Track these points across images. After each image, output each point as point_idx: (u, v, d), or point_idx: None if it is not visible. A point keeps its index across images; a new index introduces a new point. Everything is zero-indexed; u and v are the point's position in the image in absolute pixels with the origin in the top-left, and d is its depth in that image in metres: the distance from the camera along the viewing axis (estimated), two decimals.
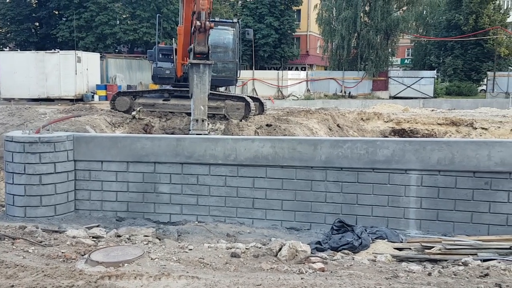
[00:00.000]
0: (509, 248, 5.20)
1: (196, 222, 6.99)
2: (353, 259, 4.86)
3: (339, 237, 6.06)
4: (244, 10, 49.04)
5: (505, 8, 49.87)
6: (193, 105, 11.75)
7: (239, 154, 7.04)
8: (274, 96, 37.51)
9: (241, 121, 15.51)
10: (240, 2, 51.17)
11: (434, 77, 41.17)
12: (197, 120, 11.57)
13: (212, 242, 5.52)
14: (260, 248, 4.95)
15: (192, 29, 12.17)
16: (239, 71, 17.43)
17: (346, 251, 5.60)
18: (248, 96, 17.51)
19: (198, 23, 11.47)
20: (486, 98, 38.85)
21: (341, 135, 16.22)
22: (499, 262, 4.67)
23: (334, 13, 44.80)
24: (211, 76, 12.05)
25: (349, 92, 41.46)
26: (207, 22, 11.55)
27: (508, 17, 48.24)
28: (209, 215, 7.17)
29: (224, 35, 16.70)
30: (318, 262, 4.58)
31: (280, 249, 4.75)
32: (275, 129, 14.46)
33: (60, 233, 5.82)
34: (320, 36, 49.47)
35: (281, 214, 7.07)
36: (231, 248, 4.94)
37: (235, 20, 17.83)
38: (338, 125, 17.35)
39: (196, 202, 7.20)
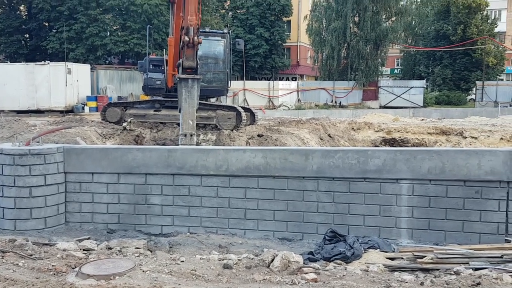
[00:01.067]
0: (500, 257, 5.22)
1: (188, 234, 6.96)
2: (345, 269, 4.85)
3: (332, 247, 6.05)
4: (234, 21, 49.28)
5: (492, 18, 50.55)
6: (181, 120, 11.78)
7: (230, 165, 7.03)
8: (265, 106, 37.58)
9: (232, 131, 15.52)
10: (230, 13, 51.44)
11: (423, 87, 41.54)
12: (185, 135, 11.60)
13: (204, 254, 5.49)
14: (252, 259, 4.94)
15: (181, 44, 12.24)
16: (230, 81, 17.47)
17: (338, 261, 5.59)
18: (239, 106, 17.54)
19: (186, 38, 11.56)
20: (475, 107, 39.21)
21: (332, 145, 16.27)
22: (491, 271, 4.69)
23: (324, 23, 45.13)
24: (199, 90, 12.12)
25: (340, 102, 41.66)
26: (196, 38, 11.64)
27: (496, 26, 48.91)
28: (201, 226, 7.14)
29: (214, 46, 16.77)
30: (310, 272, 4.56)
31: (272, 260, 4.73)
32: (266, 139, 14.48)
33: (51, 246, 5.76)
34: (311, 46, 49.81)
35: (273, 224, 7.05)
36: (223, 260, 4.91)
37: (225, 31, 17.91)
38: (329, 135, 17.41)
39: (187, 213, 7.17)
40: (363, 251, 5.84)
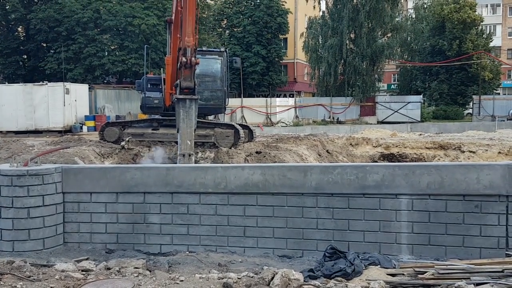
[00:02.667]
0: (502, 271, 5.19)
1: (187, 252, 6.91)
2: (346, 287, 4.82)
3: (332, 264, 6.00)
4: (231, 39, 49.69)
5: (487, 33, 51.05)
6: (180, 140, 11.82)
7: (229, 182, 7.02)
8: (263, 123, 37.69)
9: (230, 148, 15.54)
10: (227, 31, 51.87)
11: (420, 102, 41.75)
12: (183, 155, 11.63)
13: (204, 273, 5.44)
14: (252, 277, 4.90)
15: (178, 64, 12.33)
16: (227, 99, 17.56)
17: (339, 278, 5.54)
18: (237, 124, 17.59)
19: (184, 59, 11.65)
20: (473, 121, 39.36)
21: (330, 161, 16.27)
22: (492, 286, 4.66)
23: (320, 40, 45.52)
24: (197, 110, 12.18)
25: (337, 118, 41.81)
26: (193, 59, 11.74)
27: (491, 41, 49.37)
28: (200, 244, 7.09)
29: (212, 64, 16.88)
30: None
31: (272, 278, 4.70)
32: (264, 156, 14.48)
33: (49, 267, 5.71)
34: (307, 63, 50.17)
35: (272, 242, 7.01)
36: (223, 278, 4.87)
37: (222, 49, 18.04)
38: (327, 151, 17.43)
39: (186, 232, 7.13)
40: (364, 268, 5.80)
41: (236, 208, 7.02)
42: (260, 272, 5.12)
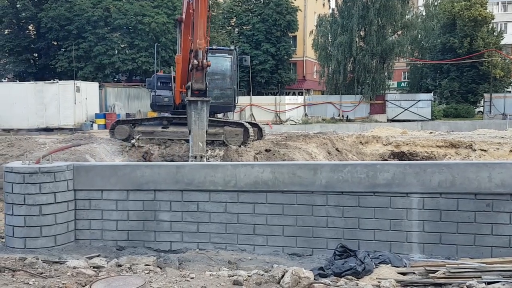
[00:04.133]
0: None
1: (197, 250, 6.93)
2: (357, 285, 4.81)
3: (342, 262, 5.99)
4: (240, 37, 49.70)
5: (498, 30, 50.57)
6: (191, 142, 11.86)
7: (239, 180, 7.02)
8: (272, 121, 37.67)
9: (240, 147, 15.55)
10: (236, 29, 51.87)
11: (431, 100, 41.48)
12: (195, 157, 11.67)
13: (214, 270, 5.46)
14: (262, 275, 4.90)
15: (190, 66, 12.35)
16: (237, 97, 17.57)
17: (349, 277, 5.54)
18: (246, 122, 17.59)
19: (195, 61, 11.67)
20: (484, 119, 39.04)
21: (340, 159, 16.23)
22: (504, 285, 4.63)
23: (329, 38, 45.37)
24: (208, 112, 12.22)
25: (347, 116, 41.67)
26: (205, 61, 11.76)
27: (502, 39, 48.91)
28: (210, 242, 7.11)
29: (222, 62, 16.90)
30: None
31: (282, 276, 4.70)
32: (274, 154, 14.48)
33: (61, 264, 5.76)
34: (317, 61, 50.03)
35: (282, 240, 7.01)
36: (233, 276, 4.88)
37: (232, 48, 18.05)
38: (337, 149, 17.38)
39: (196, 229, 7.15)
40: (374, 266, 5.78)
41: (245, 206, 7.03)
42: (270, 270, 5.13)
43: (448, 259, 6.19)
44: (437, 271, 5.22)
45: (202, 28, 11.77)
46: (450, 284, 4.87)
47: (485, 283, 4.80)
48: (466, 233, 6.49)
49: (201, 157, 11.75)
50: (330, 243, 6.83)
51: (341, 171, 6.91)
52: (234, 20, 51.75)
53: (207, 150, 13.89)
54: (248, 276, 4.88)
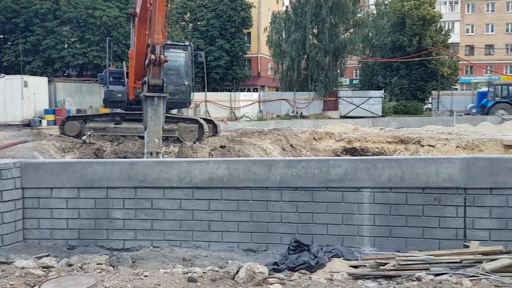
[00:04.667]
0: (460, 262, 5.37)
1: (151, 248, 6.85)
2: (310, 279, 4.88)
3: (296, 257, 6.07)
4: (195, 32, 49.31)
5: (446, 29, 52.41)
6: (147, 138, 11.67)
7: (193, 177, 6.98)
8: (227, 118, 37.63)
9: (194, 143, 15.44)
10: (190, 25, 51.41)
11: (381, 97, 42.55)
12: (151, 153, 11.50)
13: (168, 268, 5.41)
14: (217, 271, 4.90)
15: (147, 61, 12.14)
16: (192, 93, 17.42)
17: (303, 271, 5.61)
18: (201, 118, 17.50)
19: (153, 56, 11.48)
20: (432, 116, 40.38)
21: (294, 155, 16.40)
22: (451, 276, 4.81)
23: (283, 35, 45.72)
24: (165, 108, 12.06)
25: (301, 113, 42.15)
26: (162, 56, 11.59)
27: (449, 38, 50.74)
28: (164, 239, 7.04)
29: (176, 58, 16.71)
30: (275, 283, 4.57)
31: (237, 272, 4.71)
32: (229, 151, 14.47)
33: (8, 264, 5.55)
34: (271, 57, 50.29)
35: (237, 236, 7.03)
36: (187, 273, 4.85)
37: (187, 43, 17.88)
38: (291, 145, 17.55)
39: (150, 227, 7.07)
40: (327, 260, 5.89)
41: (200, 202, 7.00)
42: (225, 266, 5.13)
43: (398, 251, 6.37)
44: (387, 263, 5.37)
45: (160, 23, 11.60)
46: (400, 276, 5.03)
47: (433, 274, 4.97)
48: (415, 226, 6.70)
49: (157, 153, 11.60)
50: (285, 238, 6.90)
51: (295, 167, 6.98)
52: (188, 15, 51.27)
53: (161, 147, 13.72)
54: (203, 272, 4.87)
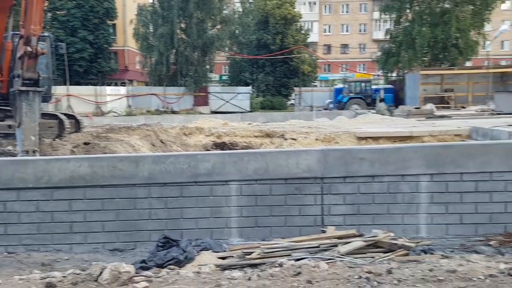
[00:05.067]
0: (318, 247, 5.76)
1: (5, 254, 6.31)
2: (178, 274, 4.87)
3: (165, 253, 6.03)
4: (54, 22, 46.16)
5: (306, 29, 55.53)
6: (22, 136, 10.72)
7: (52, 176, 6.57)
8: (93, 113, 35.93)
9: (54, 140, 14.50)
10: (49, 14, 48.00)
11: (249, 93, 43.81)
12: (27, 152, 10.57)
13: (24, 274, 5.03)
14: (79, 274, 4.67)
15: (20, 53, 11.15)
16: (53, 87, 16.33)
17: (172, 267, 5.59)
18: (62, 113, 16.48)
19: (29, 48, 10.59)
20: (295, 111, 42.54)
21: (164, 151, 16.19)
22: (310, 260, 5.14)
23: (151, 28, 44.84)
24: (40, 103, 11.18)
25: (172, 108, 41.76)
26: (39, 48, 10.75)
27: (309, 37, 53.85)
28: (20, 244, 6.53)
29: None
30: (142, 281, 4.49)
31: (101, 273, 4.54)
32: (94, 148, 13.84)
33: None
34: (139, 51, 49.02)
35: (103, 236, 6.77)
36: (45, 278, 4.56)
37: (46, 34, 16.66)
38: (161, 141, 17.31)
39: (4, 232, 6.50)
40: (196, 254, 5.93)
41: (60, 203, 6.61)
42: (88, 268, 4.92)
43: (263, 240, 6.64)
44: (253, 252, 5.58)
45: (38, 14, 10.77)
46: (264, 263, 5.24)
47: (294, 260, 5.27)
48: (278, 215, 7.04)
49: (34, 151, 10.70)
50: (154, 235, 6.81)
51: (163, 162, 6.93)
52: (47, 4, 47.79)
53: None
54: (63, 276, 4.60)
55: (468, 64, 41.16)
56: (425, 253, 5.73)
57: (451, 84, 34.72)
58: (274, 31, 48.51)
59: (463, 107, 31.26)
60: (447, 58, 38.30)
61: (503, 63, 49.13)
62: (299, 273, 4.47)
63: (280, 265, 4.84)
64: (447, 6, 37.42)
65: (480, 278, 4.06)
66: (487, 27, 40.47)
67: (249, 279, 4.38)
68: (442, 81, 35.04)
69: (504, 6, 57.98)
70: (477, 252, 5.84)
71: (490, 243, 6.38)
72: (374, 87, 40.00)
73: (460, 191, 7.07)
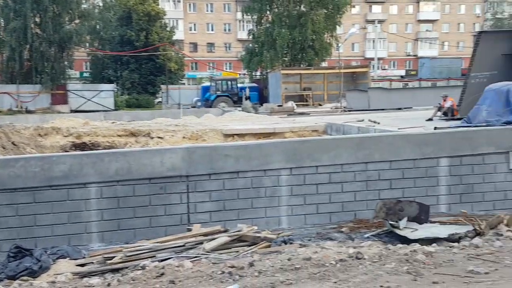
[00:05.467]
0: (183, 245, 5.74)
1: None
2: (31, 285, 4.53)
3: (17, 264, 5.60)
4: None
5: (171, 26, 55.04)
6: None
7: None
8: None
9: None
10: None
11: (113, 90, 42.16)
12: None
13: None
14: None
15: None
16: None
17: (25, 278, 5.20)
18: None
19: None
20: (162, 109, 41.92)
21: (17, 153, 14.88)
22: (174, 260, 5.10)
23: (2, 23, 41.08)
24: None
25: (26, 107, 38.63)
26: None
27: (174, 34, 53.43)
28: None
29: None
30: None
31: None
32: None
33: None
34: None
35: None
36: None
37: None
38: (13, 143, 15.89)
39: None
40: (52, 263, 5.57)
41: None
42: None
43: (127, 243, 6.44)
44: (115, 257, 5.38)
45: None
46: (127, 267, 5.09)
47: (158, 261, 5.19)
48: (143, 216, 6.89)
49: None
50: (4, 245, 6.28)
51: (13, 166, 6.42)
52: None
53: None
54: None
55: (323, 64, 44.05)
56: (286, 243, 6.01)
57: (309, 83, 36.83)
58: (137, 28, 47.30)
59: (320, 105, 33.34)
60: (304, 59, 40.56)
61: (354, 63, 53.48)
62: (163, 274, 4.41)
63: (143, 267, 4.74)
64: (303, 9, 39.62)
65: (332, 263, 4.36)
66: (339, 30, 43.70)
67: (109, 285, 4.21)
68: (301, 80, 37.00)
69: (354, 11, 63.25)
70: (331, 239, 6.28)
71: (342, 230, 6.90)
72: (240, 85, 40.96)
73: (316, 182, 7.55)
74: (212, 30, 72.17)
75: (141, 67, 48.23)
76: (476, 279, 3.84)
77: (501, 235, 5.65)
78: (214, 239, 5.91)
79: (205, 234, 6.15)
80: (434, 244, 5.44)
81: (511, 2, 64.83)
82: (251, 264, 4.47)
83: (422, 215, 6.86)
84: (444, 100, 15.58)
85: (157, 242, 5.97)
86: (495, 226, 6.17)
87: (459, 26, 75.57)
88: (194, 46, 69.89)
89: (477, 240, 5.38)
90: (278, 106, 29.74)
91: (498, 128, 9.05)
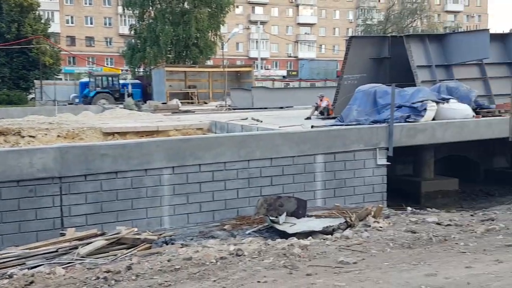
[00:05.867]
0: (56, 251, 5.40)
1: None
2: None
3: None
4: None
5: (46, 18, 51.66)
6: None
7: None
8: None
9: None
10: None
11: None
12: None
13: None
14: None
15: None
16: None
17: None
18: None
19: None
20: (36, 106, 39.12)
21: None
22: (45, 267, 4.78)
23: None
24: None
25: None
26: None
27: (49, 27, 50.18)
28: None
29: None
30: None
31: None
32: None
33: None
34: None
35: None
36: None
37: None
38: None
39: None
40: None
41: None
42: None
43: None
44: None
45: None
46: None
47: (28, 268, 4.83)
48: (11, 221, 6.40)
49: None
50: None
51: None
52: None
53: None
54: None
55: (209, 63, 44.16)
56: (167, 244, 5.93)
57: (194, 81, 36.72)
58: (8, 19, 43.77)
59: (205, 103, 33.42)
60: (189, 56, 40.34)
61: (238, 62, 54.38)
62: (32, 282, 4.11)
63: (10, 276, 4.38)
64: (186, 7, 39.35)
65: (212, 262, 4.37)
66: (223, 29, 44.10)
67: None
68: (186, 78, 36.76)
69: (237, 11, 64.30)
70: (213, 237, 6.31)
71: (225, 227, 6.97)
72: (122, 81, 39.52)
73: (199, 181, 7.55)
74: (91, 23, 68.96)
75: (12, 61, 44.74)
76: (346, 269, 4.08)
77: (369, 226, 6.08)
78: (90, 243, 5.64)
79: (80, 239, 5.85)
80: (310, 237, 5.71)
81: (380, 10, 70.25)
82: (128, 268, 4.32)
83: (300, 210, 7.16)
84: (321, 100, 16.45)
85: (27, 249, 5.56)
86: (364, 218, 6.63)
87: (334, 30, 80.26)
88: (72, 39, 66.28)
89: (348, 232, 5.74)
90: (163, 103, 29.28)
91: (367, 126, 9.76)
